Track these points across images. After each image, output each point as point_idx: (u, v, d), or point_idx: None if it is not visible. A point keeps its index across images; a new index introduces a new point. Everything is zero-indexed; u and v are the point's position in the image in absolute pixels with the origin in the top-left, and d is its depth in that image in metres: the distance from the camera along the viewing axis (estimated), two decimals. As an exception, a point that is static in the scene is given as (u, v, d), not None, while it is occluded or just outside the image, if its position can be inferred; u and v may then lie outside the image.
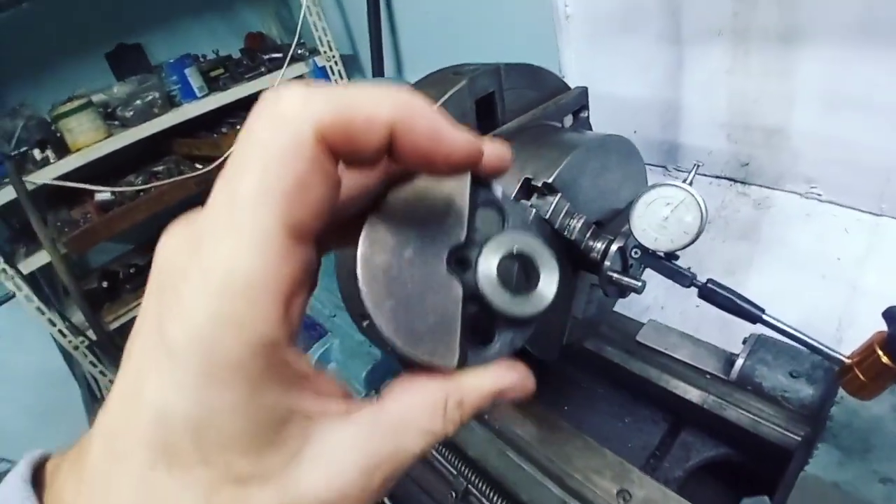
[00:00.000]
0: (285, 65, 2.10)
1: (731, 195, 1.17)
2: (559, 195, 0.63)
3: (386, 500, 1.39)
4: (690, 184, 0.61)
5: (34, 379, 2.36)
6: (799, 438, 0.77)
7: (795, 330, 0.59)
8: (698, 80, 1.11)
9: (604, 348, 1.01)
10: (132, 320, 2.16)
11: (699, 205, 0.59)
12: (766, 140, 1.08)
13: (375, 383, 1.22)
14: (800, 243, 1.10)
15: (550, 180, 0.63)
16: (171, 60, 2.06)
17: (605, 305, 0.84)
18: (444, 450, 1.01)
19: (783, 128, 1.04)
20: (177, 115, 2.05)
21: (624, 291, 0.70)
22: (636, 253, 0.66)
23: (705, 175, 1.22)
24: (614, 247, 0.66)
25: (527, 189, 0.65)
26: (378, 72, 2.11)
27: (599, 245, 0.68)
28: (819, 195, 1.06)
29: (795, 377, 0.85)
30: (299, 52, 2.19)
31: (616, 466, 0.80)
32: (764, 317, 0.58)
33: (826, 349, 0.59)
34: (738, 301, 0.59)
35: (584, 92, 0.83)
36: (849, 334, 1.01)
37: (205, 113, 2.09)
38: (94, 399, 2.39)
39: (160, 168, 2.17)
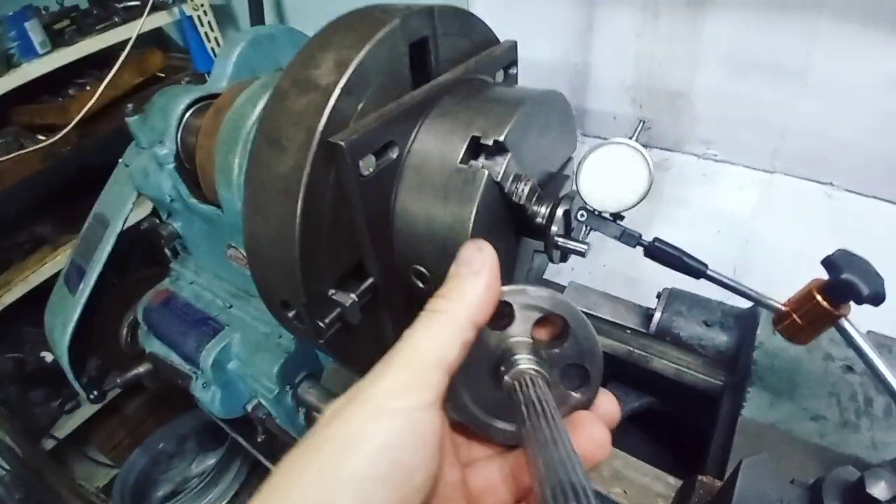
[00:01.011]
0: (145, 14, 1.76)
1: (636, 158, 1.22)
2: (510, 155, 0.58)
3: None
4: (636, 141, 0.59)
5: None
6: (720, 383, 0.83)
7: (734, 282, 0.60)
8: (608, 43, 1.13)
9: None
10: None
11: (647, 163, 0.58)
12: (670, 103, 1.13)
13: (289, 378, 1.10)
14: (697, 201, 1.19)
15: (501, 138, 0.57)
16: (10, 14, 1.64)
17: (537, 271, 0.81)
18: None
19: (686, 91, 1.09)
20: (16, 77, 1.65)
21: (566, 256, 0.68)
22: (582, 215, 0.63)
23: (606, 139, 1.26)
24: (560, 210, 0.63)
25: (475, 148, 0.59)
26: (257, 19, 1.87)
27: (544, 209, 0.64)
28: (715, 155, 1.14)
29: (709, 326, 0.92)
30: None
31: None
32: (707, 272, 0.59)
33: (762, 298, 0.62)
34: (684, 258, 0.59)
35: (513, 46, 0.77)
36: (744, 281, 1.11)
37: (48, 73, 1.70)
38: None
39: (-2, 142, 1.75)
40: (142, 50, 1.83)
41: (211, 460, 2.09)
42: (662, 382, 0.90)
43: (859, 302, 0.54)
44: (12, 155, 1.62)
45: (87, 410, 2.10)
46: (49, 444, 2.05)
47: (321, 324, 0.59)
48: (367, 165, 0.55)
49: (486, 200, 0.58)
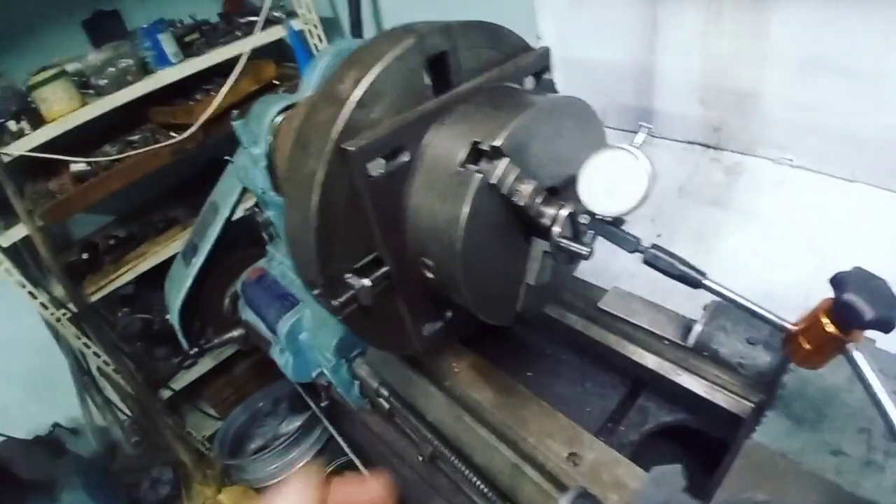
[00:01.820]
0: (258, 28, 2.03)
1: (703, 161, 1.16)
2: (507, 159, 0.62)
3: (359, 463, 1.42)
4: (639, 147, 0.60)
5: (22, 350, 2.37)
6: (752, 407, 0.78)
7: (737, 295, 0.58)
8: (672, 42, 1.08)
9: (566, 315, 1.01)
10: (113, 292, 2.15)
11: (645, 168, 0.58)
12: (739, 104, 1.06)
13: (345, 351, 1.23)
14: (770, 210, 1.09)
15: (498, 143, 0.61)
16: (145, 26, 2.00)
17: (561, 272, 0.83)
18: (409, 415, 1.03)
19: (755, 91, 1.02)
20: (151, 83, 1.99)
21: (573, 258, 0.70)
22: (585, 218, 0.65)
23: (678, 141, 1.20)
24: (564, 212, 0.65)
25: (475, 153, 0.64)
26: (357, 35, 2.05)
27: (551, 211, 0.67)
28: (791, 160, 1.05)
29: (753, 344, 0.86)
30: (276, 14, 2.11)
31: (568, 430, 0.81)
32: (704, 281, 0.58)
33: (771, 316, 0.59)
34: (680, 266, 0.58)
35: (545, 53, 0.80)
36: (815, 302, 1.01)
37: (180, 79, 2.04)
38: (81, 370, 2.41)
39: (136, 137, 2.13)
40: (258, 61, 2.11)
41: (298, 422, 2.35)
42: (693, 398, 0.86)
43: (862, 327, 0.50)
44: (147, 149, 1.97)
45: (202, 367, 2.47)
46: (166, 394, 2.43)
47: (335, 302, 0.68)
48: (377, 167, 0.63)
49: (482, 201, 0.62)
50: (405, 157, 0.66)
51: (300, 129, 0.66)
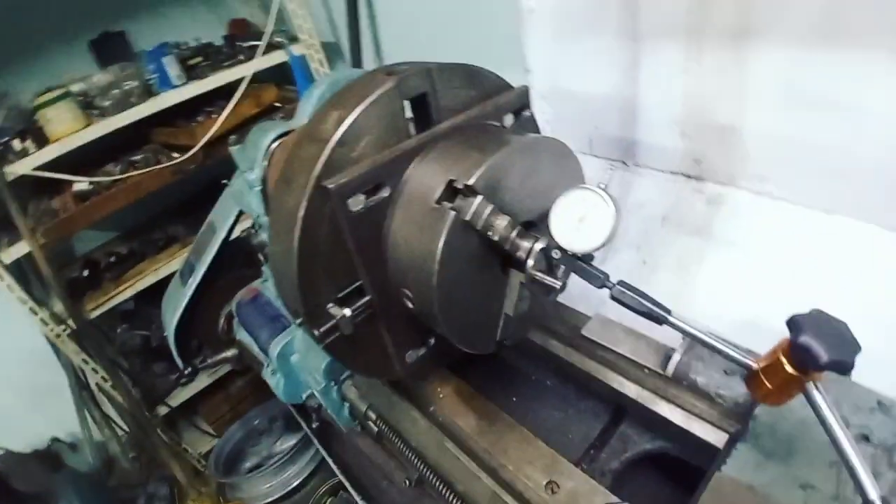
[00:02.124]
0: (260, 52, 2.09)
1: (686, 191, 1.18)
2: (480, 197, 0.65)
3: (349, 485, 1.43)
4: (605, 189, 0.62)
5: (23, 364, 2.40)
6: (728, 437, 0.79)
7: (699, 331, 0.60)
8: (655, 77, 1.12)
9: (549, 342, 1.03)
10: (113, 308, 2.19)
11: (611, 209, 0.61)
12: (719, 137, 1.08)
13: (335, 374, 1.24)
14: (750, 240, 1.11)
15: (471, 182, 0.64)
16: (149, 49, 2.06)
17: (541, 301, 0.85)
18: (395, 439, 1.04)
19: (736, 126, 1.05)
20: (154, 104, 2.05)
21: (548, 291, 0.72)
22: (556, 253, 0.67)
23: (661, 171, 1.23)
24: (538, 246, 0.68)
25: (450, 191, 0.67)
26: (356, 62, 2.10)
27: (525, 244, 0.69)
28: (771, 192, 1.07)
29: (730, 374, 0.87)
30: (277, 39, 2.18)
31: (547, 458, 0.82)
32: (669, 318, 0.60)
33: (732, 353, 0.61)
34: (646, 303, 0.60)
35: (524, 92, 0.83)
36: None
37: (183, 101, 2.09)
38: (80, 385, 2.43)
39: (138, 157, 2.18)
40: (259, 84, 2.17)
41: (292, 441, 2.35)
42: (671, 427, 0.87)
43: (818, 369, 0.51)
44: (149, 169, 2.02)
45: (198, 384, 2.49)
46: (163, 410, 2.44)
47: (317, 332, 0.71)
48: (357, 203, 0.66)
49: (456, 237, 0.65)
50: (385, 193, 0.69)
51: (284, 165, 0.70)
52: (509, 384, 1.10)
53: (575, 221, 0.64)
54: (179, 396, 2.49)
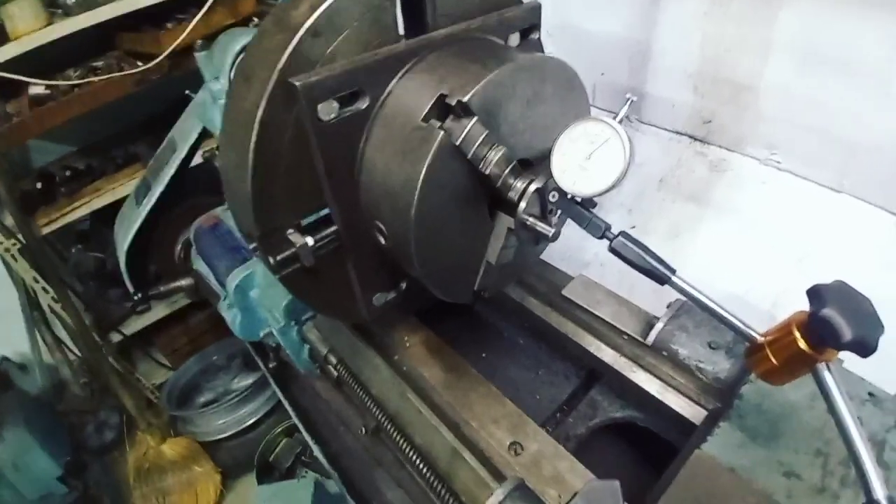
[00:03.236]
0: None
1: (688, 154, 1.11)
2: (475, 118, 0.55)
3: (303, 428, 1.38)
4: (620, 122, 0.54)
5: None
6: (706, 412, 0.75)
7: (705, 297, 0.54)
8: (674, 20, 1.01)
9: (527, 298, 0.96)
10: (69, 227, 2.03)
11: (624, 146, 0.52)
12: (733, 96, 1.00)
13: (296, 314, 1.16)
14: (751, 211, 1.06)
15: (466, 99, 0.54)
16: None
17: (526, 252, 0.77)
18: (355, 385, 0.98)
19: (752, 84, 0.96)
20: (121, 6, 1.83)
21: (539, 238, 0.64)
22: (554, 196, 0.59)
23: (665, 129, 1.15)
24: (532, 187, 0.59)
25: (441, 108, 0.57)
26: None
27: (519, 184, 0.60)
28: (778, 163, 1.00)
29: (714, 349, 0.83)
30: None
31: (514, 417, 0.77)
32: (673, 278, 0.53)
33: (738, 322, 0.55)
34: (649, 258, 0.53)
35: (536, 8, 0.72)
36: (782, 313, 0.98)
37: (153, 6, 1.88)
38: (32, 305, 2.29)
39: (99, 63, 1.98)
40: (238, -8, 1.95)
41: (250, 380, 2.29)
42: (645, 397, 0.83)
43: (838, 347, 0.46)
44: (106, 77, 1.83)
45: (155, 314, 2.37)
46: (116, 338, 2.34)
47: (272, 259, 0.61)
48: (328, 111, 0.55)
49: (442, 163, 0.56)
50: (364, 104, 0.59)
51: (244, 58, 0.58)
52: (480, 339, 1.04)
53: (580, 159, 0.55)
54: (134, 325, 2.38)
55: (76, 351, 2.42)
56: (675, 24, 1.02)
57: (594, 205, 0.57)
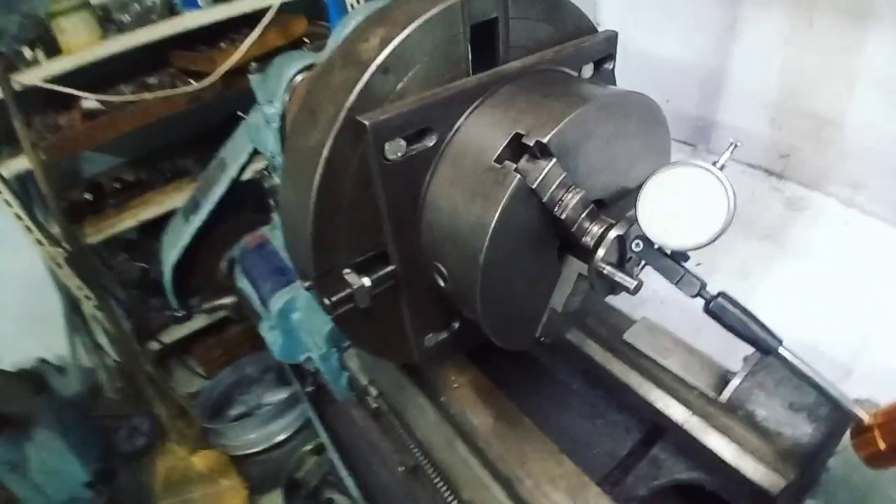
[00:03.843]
0: (295, -22, 1.90)
1: (762, 188, 1.03)
2: (553, 160, 0.50)
3: (338, 459, 1.34)
4: (721, 169, 0.48)
5: (18, 285, 2.32)
6: (785, 483, 0.67)
7: (810, 370, 0.47)
8: (751, 47, 0.95)
9: (586, 342, 0.90)
10: (116, 237, 2.09)
11: (727, 196, 0.46)
12: (816, 130, 0.92)
13: (338, 340, 1.13)
14: (830, 254, 0.97)
15: (545, 140, 0.49)
16: None
17: (592, 300, 0.72)
18: (397, 424, 0.93)
19: (837, 118, 0.88)
20: (175, 24, 1.90)
21: (615, 288, 0.58)
22: (637, 245, 0.53)
23: (737, 161, 1.07)
24: (612, 233, 0.54)
25: (516, 148, 0.52)
26: None
27: (596, 229, 0.55)
28: (863, 204, 0.92)
29: (795, 411, 0.74)
30: (313, -35, 1.98)
31: (572, 478, 0.71)
32: (781, 350, 0.46)
33: (844, 401, 0.48)
34: (753, 325, 0.47)
35: (612, 38, 0.67)
36: (863, 367, 0.89)
37: (207, 25, 1.93)
38: (74, 310, 2.36)
39: (153, 79, 2.04)
40: (290, 14, 1.98)
41: (283, 395, 2.29)
42: (717, 461, 0.75)
43: None
44: (162, 93, 1.88)
45: (194, 324, 2.40)
46: (154, 346, 2.38)
47: (328, 300, 0.58)
48: (395, 150, 0.52)
49: (516, 207, 0.51)
50: (431, 141, 0.55)
51: (310, 90, 0.55)
52: (532, 381, 0.98)
53: (673, 206, 0.49)
54: (173, 334, 2.42)
55: (114, 356, 2.48)
56: (752, 52, 0.95)
57: (687, 258, 0.51)
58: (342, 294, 0.58)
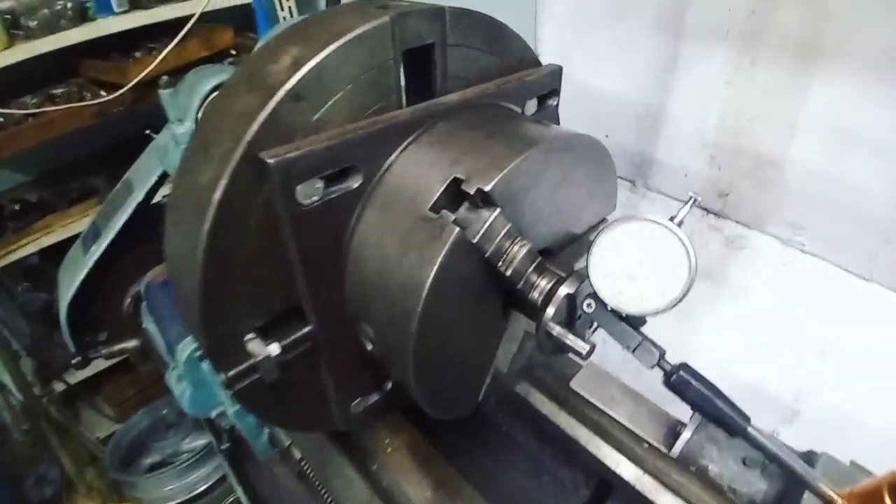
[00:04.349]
0: (219, -12, 1.77)
1: (701, 227, 1.02)
2: (497, 210, 0.43)
3: (258, 521, 1.18)
4: (680, 225, 0.43)
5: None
6: (745, 549, 0.63)
7: (786, 453, 0.42)
8: (691, 85, 0.94)
9: (532, 392, 0.83)
10: (14, 263, 1.83)
11: (688, 257, 0.41)
12: (755, 170, 0.93)
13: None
14: (770, 294, 0.97)
15: (488, 188, 0.42)
16: None
17: (537, 355, 0.65)
18: (323, 492, 0.82)
19: (777, 158, 0.89)
20: (87, 31, 1.72)
21: (561, 349, 0.52)
22: (590, 306, 0.47)
23: (675, 199, 1.06)
24: (562, 291, 0.47)
25: (454, 194, 0.45)
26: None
27: (544, 283, 0.49)
28: (803, 244, 0.92)
29: (749, 467, 0.71)
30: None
31: (521, 560, 0.63)
32: (749, 430, 0.41)
33: (814, 482, 0.43)
34: (720, 403, 0.41)
35: (557, 72, 0.63)
36: (806, 408, 0.89)
37: (123, 33, 1.76)
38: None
39: (59, 91, 1.83)
40: (214, 24, 1.84)
41: (203, 441, 2.07)
42: (673, 521, 0.70)
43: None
44: (63, 107, 1.68)
45: (103, 363, 2.14)
46: (59, 387, 2.10)
47: (224, 375, 0.47)
48: (310, 192, 0.43)
49: (455, 263, 0.43)
50: (355, 182, 0.46)
51: (204, 118, 0.46)
52: (473, 433, 0.90)
53: (628, 265, 0.44)
54: (80, 373, 2.14)
55: (18, 396, 2.17)
56: (692, 89, 0.95)
57: (643, 322, 0.45)
58: (242, 367, 0.47)
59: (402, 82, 0.48)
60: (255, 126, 0.40)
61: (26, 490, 2.13)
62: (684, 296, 0.41)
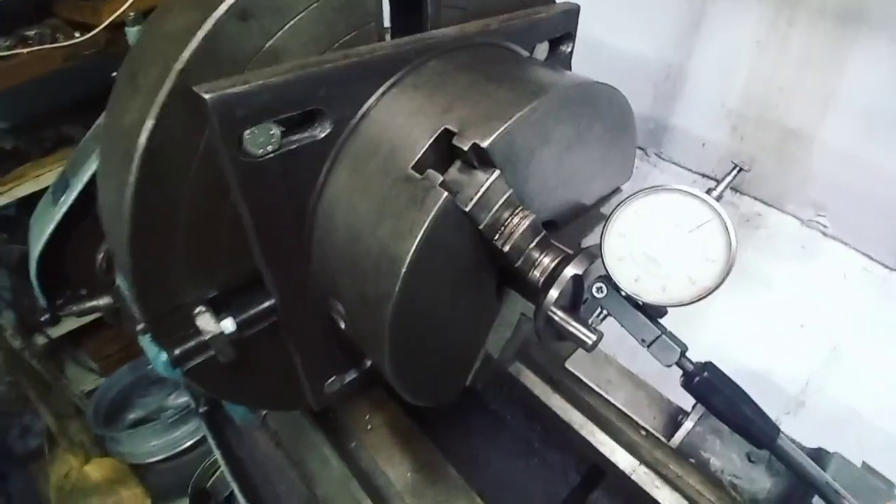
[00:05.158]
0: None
1: (717, 202, 0.94)
2: (496, 172, 0.35)
3: (238, 488, 1.15)
4: (718, 199, 0.35)
5: None
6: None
7: (817, 470, 0.36)
8: (717, 46, 0.85)
9: (524, 372, 0.78)
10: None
11: (729, 240, 0.34)
12: (781, 143, 0.84)
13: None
14: (785, 277, 0.90)
15: (486, 143, 0.34)
16: None
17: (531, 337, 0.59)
18: (293, 475, 0.77)
19: (805, 133, 0.80)
20: (60, -32, 1.57)
21: (564, 338, 0.45)
22: (600, 290, 0.40)
23: (689, 170, 0.98)
24: (569, 271, 0.40)
25: (443, 150, 0.37)
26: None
27: (547, 262, 0.41)
28: (825, 227, 0.85)
29: (753, 462, 0.66)
30: None
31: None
32: (778, 442, 0.35)
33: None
34: (746, 410, 0.34)
35: (573, 11, 0.53)
36: (814, 401, 0.84)
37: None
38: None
39: (32, 32, 1.70)
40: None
41: (187, 397, 2.04)
42: (668, 515, 0.66)
43: None
44: (33, 49, 1.55)
45: (88, 317, 2.09)
46: (41, 340, 2.06)
47: (170, 353, 0.40)
48: (262, 141, 0.35)
49: (440, 236, 0.36)
50: (323, 131, 0.38)
51: (139, 43, 0.37)
52: (461, 412, 0.85)
53: (650, 247, 0.36)
54: (61, 326, 2.09)
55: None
56: (718, 52, 0.85)
57: (663, 313, 0.38)
58: (191, 344, 0.40)
59: (385, 7, 0.39)
60: (188, 50, 0.31)
61: (11, 441, 2.15)
62: (717, 287, 0.34)
